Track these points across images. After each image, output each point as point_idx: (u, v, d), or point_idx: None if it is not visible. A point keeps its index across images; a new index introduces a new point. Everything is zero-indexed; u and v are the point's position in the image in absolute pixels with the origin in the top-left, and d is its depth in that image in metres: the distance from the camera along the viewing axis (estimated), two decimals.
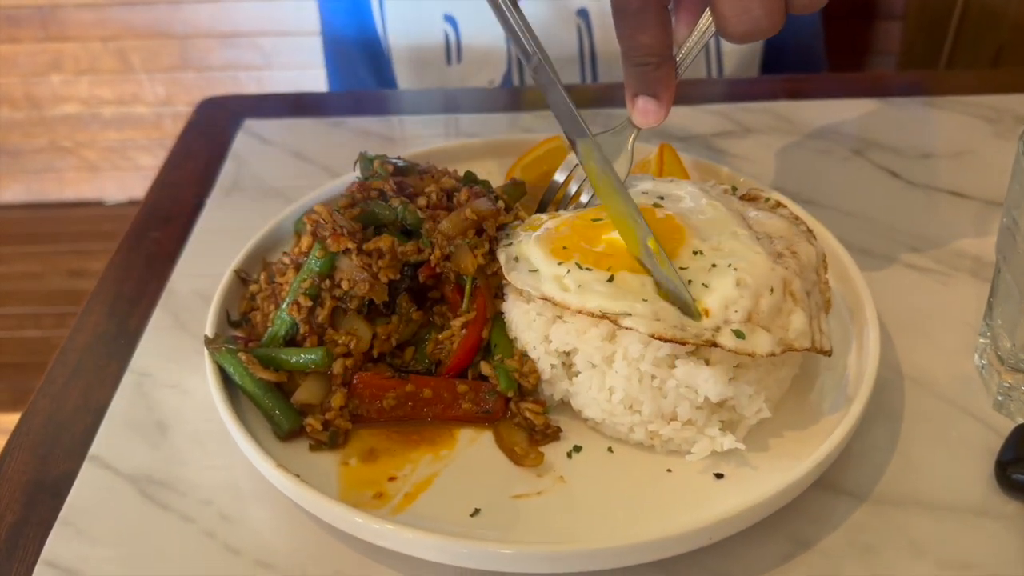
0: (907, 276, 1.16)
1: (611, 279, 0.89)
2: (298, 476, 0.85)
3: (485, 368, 0.96)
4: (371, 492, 0.88)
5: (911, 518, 0.87)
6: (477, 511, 0.86)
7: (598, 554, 0.79)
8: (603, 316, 0.86)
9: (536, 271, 0.92)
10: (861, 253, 1.17)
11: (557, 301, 0.89)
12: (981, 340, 1.02)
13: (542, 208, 1.07)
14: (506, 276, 0.95)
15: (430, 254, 0.98)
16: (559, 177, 1.04)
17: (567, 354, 0.92)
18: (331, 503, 0.82)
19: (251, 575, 0.84)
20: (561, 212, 1.02)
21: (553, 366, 0.93)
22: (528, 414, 0.93)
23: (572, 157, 1.04)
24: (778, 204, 1.01)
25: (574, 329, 0.90)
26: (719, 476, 0.88)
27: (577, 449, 0.92)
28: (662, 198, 0.98)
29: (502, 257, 0.97)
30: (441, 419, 0.95)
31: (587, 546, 0.80)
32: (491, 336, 0.98)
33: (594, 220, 0.95)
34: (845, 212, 1.26)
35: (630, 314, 0.85)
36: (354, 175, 1.14)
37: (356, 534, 0.83)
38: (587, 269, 0.90)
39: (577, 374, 0.92)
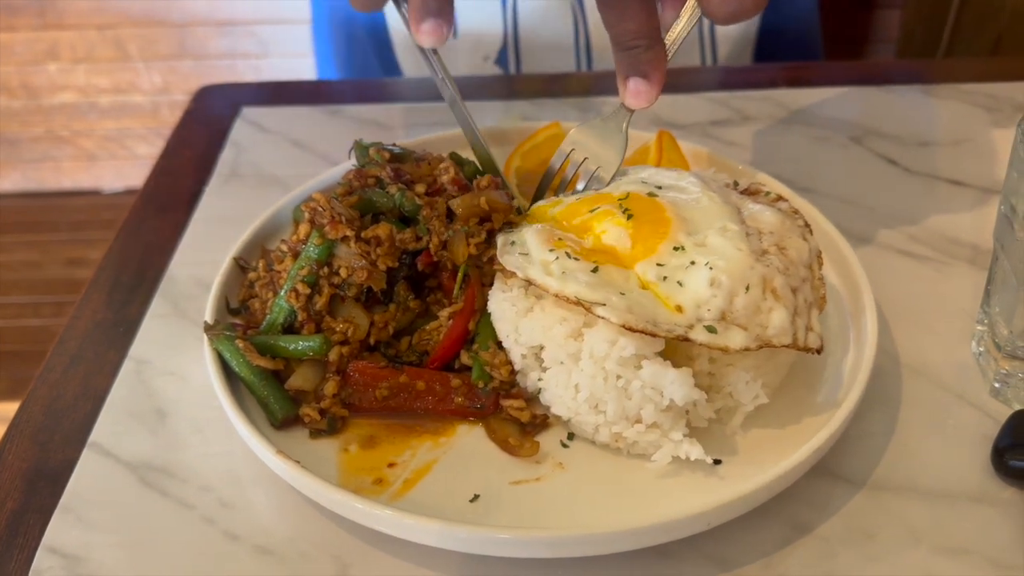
0: (905, 264, 1.16)
1: (595, 270, 0.89)
2: (298, 462, 0.85)
3: (464, 357, 0.96)
4: (371, 478, 0.88)
5: (908, 504, 0.88)
6: (476, 497, 0.86)
7: (597, 539, 0.80)
8: (578, 302, 0.86)
9: (527, 254, 0.93)
10: (859, 241, 1.18)
11: (538, 283, 0.89)
12: (978, 327, 1.02)
13: (540, 194, 1.07)
14: (499, 258, 0.95)
15: (428, 242, 0.98)
16: (555, 163, 1.05)
17: (537, 347, 0.92)
18: (331, 489, 0.83)
19: (250, 561, 0.84)
20: (561, 196, 1.02)
21: (524, 356, 0.93)
22: (512, 412, 0.93)
23: (566, 145, 1.05)
24: (779, 198, 1.01)
25: (540, 325, 0.90)
26: (717, 462, 0.88)
27: (571, 436, 0.92)
28: (660, 187, 0.98)
29: (500, 240, 0.97)
30: (433, 413, 0.94)
31: (586, 531, 0.80)
32: (477, 327, 0.98)
33: (591, 211, 0.95)
34: (843, 200, 1.26)
35: (604, 304, 0.85)
36: (350, 163, 1.13)
37: (356, 519, 0.83)
38: (575, 259, 0.90)
39: (546, 369, 0.92)
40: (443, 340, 0.97)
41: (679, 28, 0.97)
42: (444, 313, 0.98)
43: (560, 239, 0.93)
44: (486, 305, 0.98)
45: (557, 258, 0.90)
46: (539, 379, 0.93)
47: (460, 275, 0.98)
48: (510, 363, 0.95)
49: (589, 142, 1.04)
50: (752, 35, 1.76)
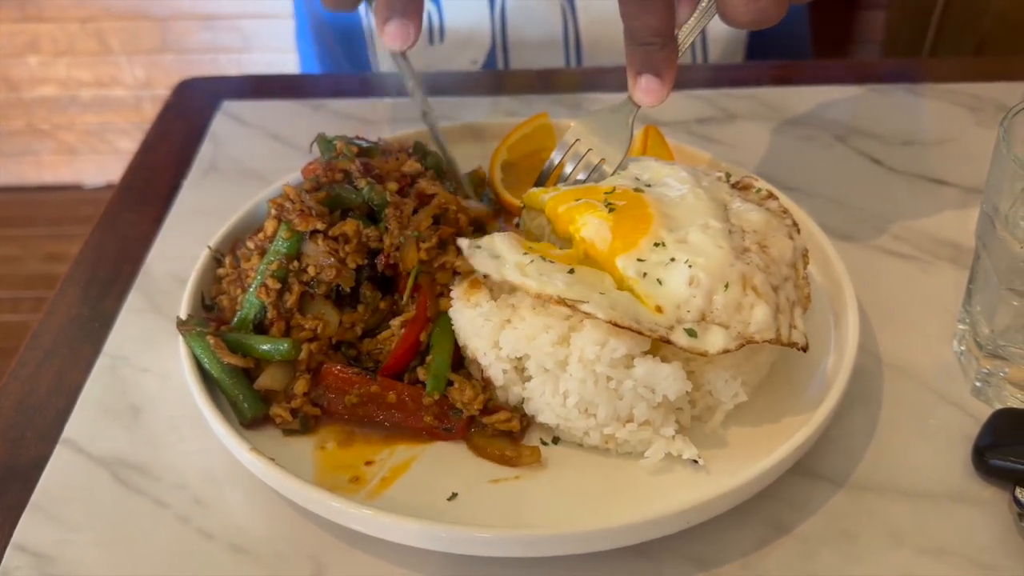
0: (887, 263, 1.16)
1: (571, 271, 0.88)
2: (272, 460, 0.84)
3: (420, 374, 0.94)
4: (347, 476, 0.87)
5: (889, 504, 0.87)
6: (454, 495, 0.86)
7: (575, 538, 0.79)
8: (561, 302, 0.85)
9: (499, 257, 0.91)
10: (842, 240, 1.17)
11: (516, 284, 0.88)
12: (960, 326, 1.02)
13: (540, 183, 1.06)
14: (468, 258, 0.93)
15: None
16: (558, 154, 1.04)
17: (519, 359, 0.90)
18: (306, 487, 0.81)
19: (225, 560, 0.83)
20: (560, 186, 1.01)
21: (505, 371, 0.91)
22: (501, 426, 0.90)
23: (570, 136, 1.04)
24: (769, 195, 1.01)
25: (524, 335, 0.88)
26: (697, 461, 0.87)
27: (556, 440, 0.91)
28: (649, 186, 0.97)
29: (464, 243, 0.95)
30: (400, 427, 0.92)
31: (565, 530, 0.79)
32: (430, 338, 0.95)
33: (576, 200, 0.94)
34: (827, 199, 1.26)
35: (588, 302, 0.84)
36: (311, 156, 1.13)
37: (331, 518, 0.82)
38: (550, 262, 0.89)
39: (530, 379, 0.90)
40: (394, 350, 0.94)
41: (690, 25, 0.97)
42: (396, 322, 0.96)
43: (531, 247, 0.92)
44: (438, 315, 0.96)
45: (532, 261, 0.89)
46: (520, 394, 0.91)
47: (410, 282, 0.96)
48: (481, 395, 0.91)
49: (593, 135, 1.03)
50: (743, 36, 1.75)
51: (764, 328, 0.86)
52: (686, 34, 0.97)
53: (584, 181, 1.03)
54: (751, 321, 0.86)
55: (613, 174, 1.02)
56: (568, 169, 1.04)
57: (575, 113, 1.44)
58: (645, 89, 0.96)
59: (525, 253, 0.90)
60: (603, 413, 0.86)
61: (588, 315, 0.84)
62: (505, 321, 0.90)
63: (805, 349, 0.90)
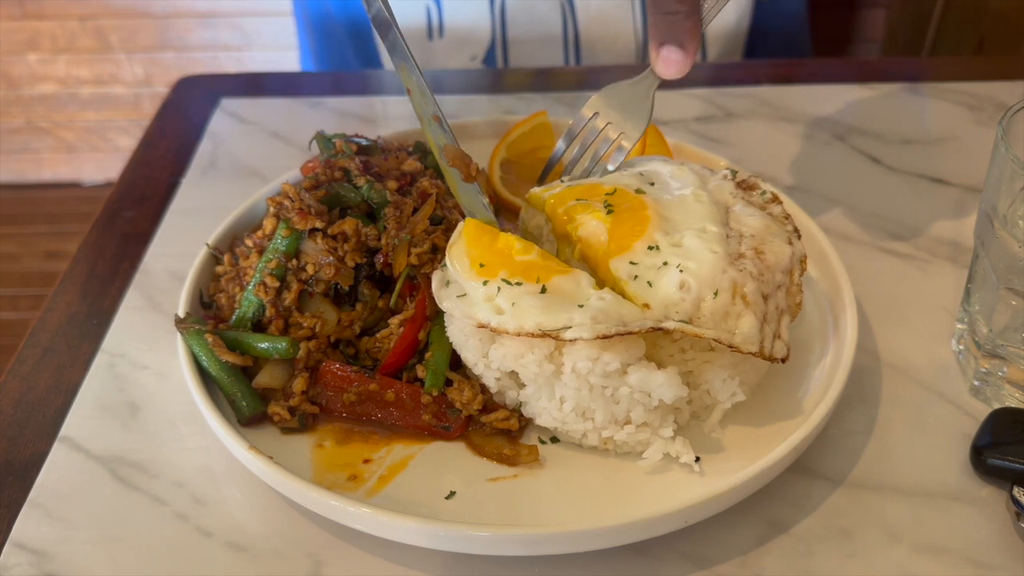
0: (886, 262, 1.16)
1: (543, 290, 0.86)
2: (271, 458, 0.84)
3: (419, 371, 0.93)
4: (345, 474, 0.87)
5: (887, 502, 0.87)
6: (452, 493, 0.86)
7: (573, 537, 0.79)
8: (544, 335, 0.84)
9: (464, 295, 0.89)
10: (841, 238, 1.17)
11: (494, 327, 0.86)
12: (958, 326, 1.02)
13: (552, 164, 1.05)
14: (439, 303, 0.91)
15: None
16: (576, 128, 1.02)
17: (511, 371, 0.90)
18: (303, 485, 0.81)
19: (223, 557, 0.83)
20: (563, 180, 1.01)
21: (498, 379, 0.91)
22: (500, 425, 0.90)
23: (587, 109, 1.02)
24: (774, 198, 1.00)
25: (511, 353, 0.87)
26: (696, 459, 0.87)
27: (554, 439, 0.92)
28: (652, 184, 0.97)
29: (435, 280, 0.93)
30: (398, 425, 0.92)
31: (562, 529, 0.79)
32: (429, 336, 0.95)
33: (577, 200, 0.94)
34: (825, 197, 1.26)
35: (570, 326, 0.83)
36: (309, 154, 1.12)
37: (329, 516, 0.82)
38: (517, 284, 0.86)
39: (524, 386, 0.89)
40: (393, 348, 0.94)
41: (714, 0, 0.94)
42: (395, 321, 0.96)
43: (483, 264, 0.89)
44: (437, 313, 0.95)
45: (499, 289, 0.86)
46: (517, 398, 0.91)
47: (398, 286, 0.95)
48: (480, 395, 0.91)
49: (612, 108, 1.01)
50: (743, 34, 1.75)
51: (748, 340, 0.86)
52: (710, 6, 0.95)
53: (598, 161, 1.00)
54: (737, 331, 0.86)
55: (626, 156, 1.00)
56: (581, 147, 1.01)
57: (574, 112, 1.44)
58: (667, 60, 0.94)
59: (486, 283, 0.87)
60: (600, 417, 0.86)
61: (573, 340, 0.83)
62: (492, 337, 0.89)
63: (784, 361, 0.89)
